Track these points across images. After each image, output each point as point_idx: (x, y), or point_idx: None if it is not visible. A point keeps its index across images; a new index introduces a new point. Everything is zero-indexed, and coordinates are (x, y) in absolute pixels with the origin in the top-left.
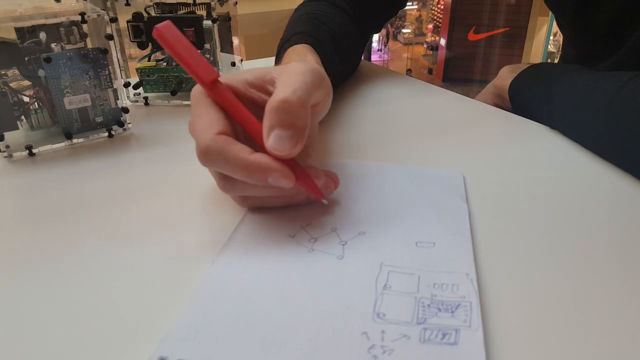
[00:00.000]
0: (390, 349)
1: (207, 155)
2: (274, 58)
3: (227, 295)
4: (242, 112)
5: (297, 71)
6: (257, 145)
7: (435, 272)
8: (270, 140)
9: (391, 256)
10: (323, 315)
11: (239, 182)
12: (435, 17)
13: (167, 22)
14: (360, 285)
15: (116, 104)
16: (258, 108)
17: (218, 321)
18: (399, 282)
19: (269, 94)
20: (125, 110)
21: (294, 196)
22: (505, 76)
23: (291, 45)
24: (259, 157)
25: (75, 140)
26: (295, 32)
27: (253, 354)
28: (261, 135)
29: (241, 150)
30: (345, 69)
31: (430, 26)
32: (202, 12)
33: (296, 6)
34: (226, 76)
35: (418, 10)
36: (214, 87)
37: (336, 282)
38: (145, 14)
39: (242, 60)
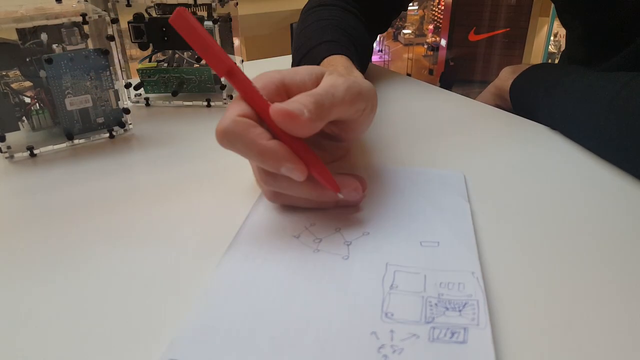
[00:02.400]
0: (400, 348)
1: (225, 136)
2: (274, 59)
3: (233, 298)
4: (260, 101)
5: (340, 82)
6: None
7: (441, 271)
8: (291, 104)
9: (396, 256)
10: (331, 316)
11: (279, 178)
12: (435, 18)
13: (183, 8)
14: (367, 285)
15: (117, 104)
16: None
17: (226, 323)
18: (406, 281)
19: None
20: (127, 111)
21: (324, 202)
22: (506, 77)
23: (328, 54)
24: (275, 144)
25: (76, 141)
26: (325, 39)
27: (262, 356)
28: (276, 127)
29: (260, 135)
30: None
31: (431, 27)
32: (203, 13)
33: (297, 8)
34: (283, 71)
35: (422, 9)
36: (231, 75)
37: (343, 283)
38: (146, 15)
39: (242, 60)
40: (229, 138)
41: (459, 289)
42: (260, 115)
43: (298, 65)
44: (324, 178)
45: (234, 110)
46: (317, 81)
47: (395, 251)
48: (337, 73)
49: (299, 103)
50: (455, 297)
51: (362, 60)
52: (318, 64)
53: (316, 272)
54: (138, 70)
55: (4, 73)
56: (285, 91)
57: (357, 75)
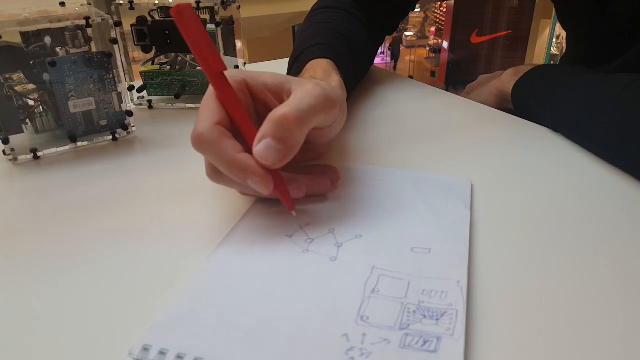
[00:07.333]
0: (369, 352)
1: (199, 142)
2: (277, 61)
3: (216, 290)
4: (239, 110)
5: (312, 93)
6: (246, 147)
7: (426, 278)
8: (260, 146)
9: (384, 260)
10: (307, 315)
11: (225, 176)
12: (437, 20)
13: (188, 4)
14: (348, 287)
15: (120, 107)
16: (266, 112)
17: (204, 314)
18: (388, 286)
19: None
20: (130, 113)
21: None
22: (508, 79)
23: (313, 57)
24: (245, 158)
25: (79, 144)
26: (317, 42)
27: (233, 348)
28: (251, 138)
29: (231, 146)
30: (358, 77)
31: (433, 29)
32: (206, 16)
33: (299, 10)
34: (248, 72)
35: (423, 12)
36: (219, 80)
37: (325, 283)
38: (149, 18)
39: (245, 63)
40: (202, 145)
41: (441, 298)
42: (237, 124)
43: (291, 66)
44: (281, 193)
45: (211, 115)
46: (279, 86)
47: (384, 255)
48: (308, 81)
49: (277, 142)
50: (435, 305)
51: (357, 65)
52: (304, 67)
53: (301, 272)
54: (141, 73)
55: (8, 76)
56: (249, 89)
57: (333, 79)
